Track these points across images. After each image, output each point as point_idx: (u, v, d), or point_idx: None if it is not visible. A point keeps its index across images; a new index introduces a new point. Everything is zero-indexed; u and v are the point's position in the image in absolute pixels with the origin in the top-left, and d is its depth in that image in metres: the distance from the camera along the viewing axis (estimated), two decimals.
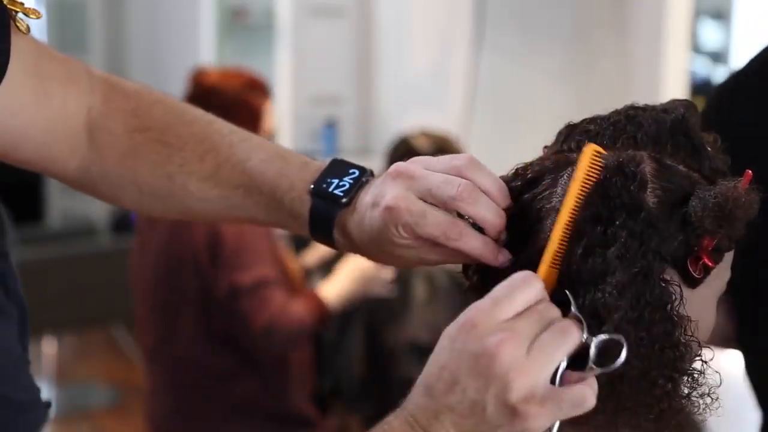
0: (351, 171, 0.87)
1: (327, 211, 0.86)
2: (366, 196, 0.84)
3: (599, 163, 0.76)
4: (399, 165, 0.82)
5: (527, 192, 0.80)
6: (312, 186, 0.87)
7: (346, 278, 2.20)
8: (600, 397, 0.73)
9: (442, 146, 2.54)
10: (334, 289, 2.18)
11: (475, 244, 0.78)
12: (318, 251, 2.58)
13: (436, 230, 0.78)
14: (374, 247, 0.83)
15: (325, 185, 0.86)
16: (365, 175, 0.86)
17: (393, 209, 0.79)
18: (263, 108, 2.27)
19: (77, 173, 0.96)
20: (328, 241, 0.87)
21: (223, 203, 0.93)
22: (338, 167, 0.88)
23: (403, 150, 2.55)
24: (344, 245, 0.87)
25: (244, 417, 2.17)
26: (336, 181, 0.86)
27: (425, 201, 0.79)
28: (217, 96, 2.21)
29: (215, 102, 2.18)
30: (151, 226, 2.23)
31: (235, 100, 2.22)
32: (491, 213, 0.79)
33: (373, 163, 0.85)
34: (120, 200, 0.98)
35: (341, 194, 0.85)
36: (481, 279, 0.82)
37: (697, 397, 0.78)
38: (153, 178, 0.94)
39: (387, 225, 0.80)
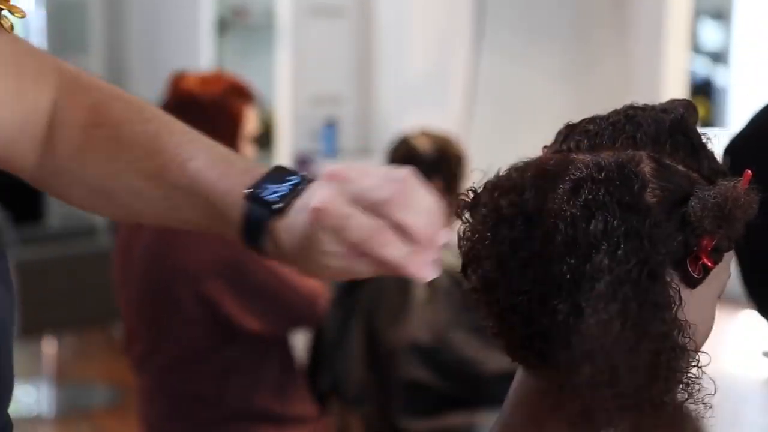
0: (289, 178, 0.84)
1: (259, 216, 0.83)
2: (299, 202, 0.81)
3: None
4: (334, 167, 0.79)
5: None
6: (247, 191, 0.84)
7: None
8: (600, 397, 0.74)
9: (442, 146, 2.53)
10: None
11: (398, 254, 0.75)
12: None
13: (361, 235, 0.75)
14: (303, 256, 0.80)
15: (260, 190, 0.83)
16: (304, 183, 0.83)
17: (319, 211, 0.76)
18: (243, 112, 2.25)
19: (34, 168, 0.94)
20: (259, 248, 0.84)
21: (164, 204, 0.90)
22: (278, 174, 0.85)
23: (403, 150, 2.55)
24: (274, 253, 0.84)
25: (240, 418, 2.16)
26: (272, 186, 0.83)
27: (357, 205, 0.76)
28: (194, 102, 2.21)
29: (193, 108, 2.18)
30: (134, 232, 2.21)
31: (213, 105, 2.21)
32: (424, 220, 0.75)
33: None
34: (69, 197, 0.96)
35: (276, 199, 0.82)
36: (478, 277, 0.83)
37: (693, 399, 0.79)
38: (101, 176, 0.92)
39: (313, 229, 0.77)
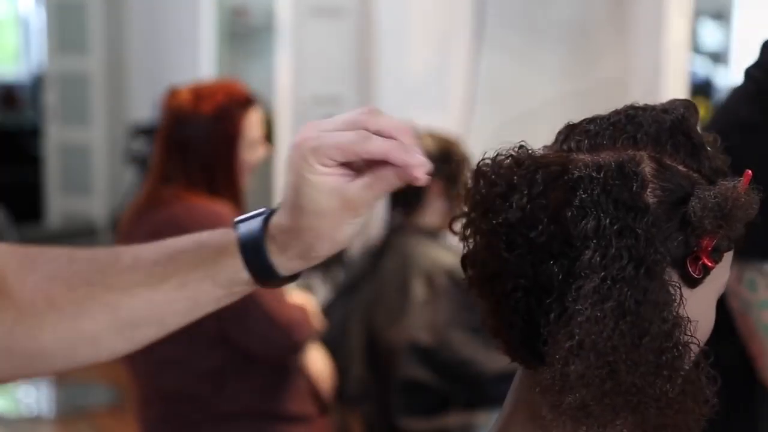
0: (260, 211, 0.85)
1: (254, 232, 0.82)
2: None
3: None
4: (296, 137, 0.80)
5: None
6: (235, 219, 0.84)
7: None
8: (601, 394, 0.74)
9: (447, 147, 2.53)
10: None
11: (384, 145, 0.77)
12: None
13: (344, 139, 0.77)
14: (308, 214, 0.79)
15: (244, 216, 0.84)
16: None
17: (298, 141, 0.78)
18: (242, 122, 2.17)
19: None
20: (265, 262, 0.82)
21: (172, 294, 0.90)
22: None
23: None
24: (283, 245, 0.82)
25: (235, 420, 2.15)
26: (251, 213, 0.84)
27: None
28: (187, 121, 2.14)
29: (187, 127, 2.13)
30: (131, 233, 2.18)
31: (207, 122, 2.14)
32: (395, 122, 0.78)
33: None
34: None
35: (261, 210, 0.84)
36: (477, 274, 0.83)
37: (696, 396, 0.79)
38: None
39: (299, 159, 0.78)
